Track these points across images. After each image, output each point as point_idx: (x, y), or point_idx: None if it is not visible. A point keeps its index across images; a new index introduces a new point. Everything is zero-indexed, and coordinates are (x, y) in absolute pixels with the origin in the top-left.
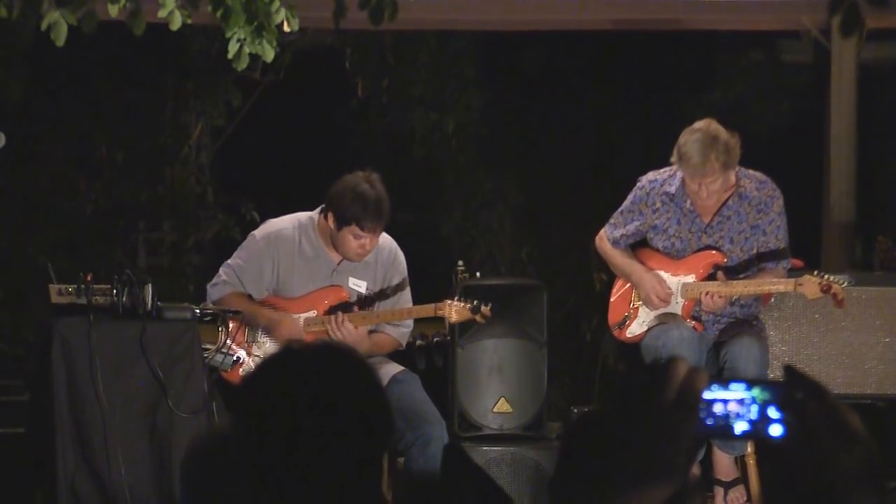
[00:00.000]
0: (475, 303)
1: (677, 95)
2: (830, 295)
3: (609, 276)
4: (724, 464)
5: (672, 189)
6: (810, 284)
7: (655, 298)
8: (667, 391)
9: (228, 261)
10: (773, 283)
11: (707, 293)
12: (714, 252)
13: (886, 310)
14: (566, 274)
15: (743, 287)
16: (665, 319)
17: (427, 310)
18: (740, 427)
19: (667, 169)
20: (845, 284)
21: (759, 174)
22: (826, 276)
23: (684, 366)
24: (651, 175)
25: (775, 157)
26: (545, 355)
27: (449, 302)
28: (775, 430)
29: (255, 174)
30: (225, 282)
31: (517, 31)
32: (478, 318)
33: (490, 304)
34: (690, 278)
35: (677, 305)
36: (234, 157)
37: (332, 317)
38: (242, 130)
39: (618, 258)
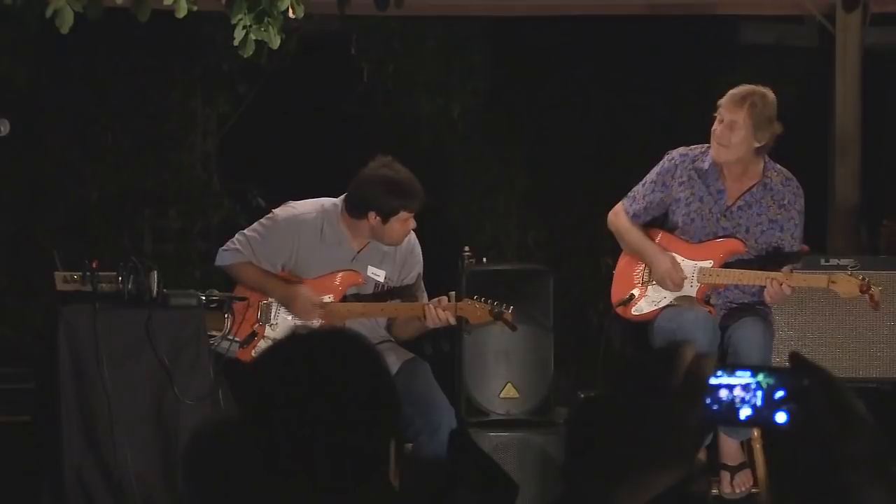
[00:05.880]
0: (495, 305)
1: (682, 79)
2: (868, 295)
3: (615, 261)
4: (730, 448)
5: (704, 165)
6: (847, 283)
7: (670, 283)
8: (674, 376)
9: (245, 230)
10: (804, 278)
11: (772, 280)
12: (736, 241)
13: (892, 294)
14: (573, 259)
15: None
16: (680, 302)
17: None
18: (745, 413)
19: (698, 146)
20: (880, 288)
21: (785, 170)
22: (863, 277)
23: (691, 351)
24: (682, 149)
25: (780, 141)
26: (552, 340)
27: (469, 301)
28: (780, 417)
29: (261, 161)
30: (238, 250)
31: (523, 15)
32: (499, 325)
33: (512, 308)
34: (708, 263)
35: (692, 289)
36: (240, 144)
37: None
38: (248, 117)
39: (632, 234)
